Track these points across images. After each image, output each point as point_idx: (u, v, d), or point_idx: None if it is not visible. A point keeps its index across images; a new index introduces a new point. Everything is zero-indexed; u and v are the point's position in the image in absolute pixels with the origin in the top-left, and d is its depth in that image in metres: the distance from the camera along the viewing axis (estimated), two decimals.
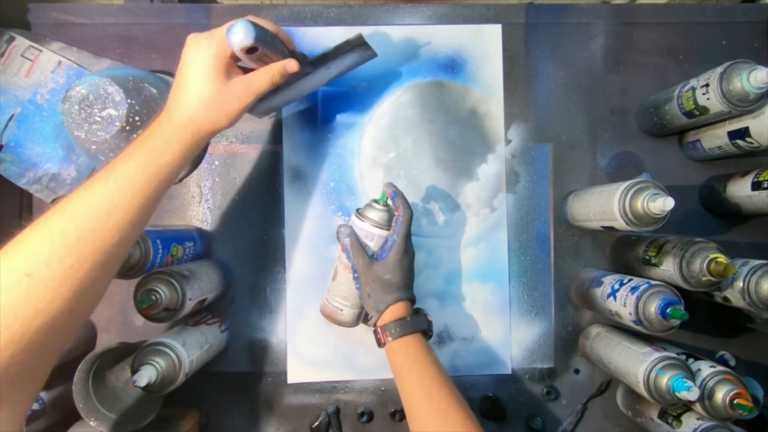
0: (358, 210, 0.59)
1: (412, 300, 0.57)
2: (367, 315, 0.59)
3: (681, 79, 0.64)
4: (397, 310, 0.55)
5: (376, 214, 0.57)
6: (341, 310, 0.59)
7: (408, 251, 0.57)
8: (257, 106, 0.59)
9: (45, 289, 0.36)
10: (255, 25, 0.46)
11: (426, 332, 0.56)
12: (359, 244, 0.56)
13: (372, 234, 0.57)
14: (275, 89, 0.53)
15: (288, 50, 0.54)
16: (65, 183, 0.67)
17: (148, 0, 0.70)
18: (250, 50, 0.46)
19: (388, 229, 0.57)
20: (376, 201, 0.58)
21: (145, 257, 0.54)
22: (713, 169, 0.71)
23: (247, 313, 0.69)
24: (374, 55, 0.63)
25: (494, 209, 0.71)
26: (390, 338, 0.53)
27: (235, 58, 0.49)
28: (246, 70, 0.51)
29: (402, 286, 0.55)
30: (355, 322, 0.61)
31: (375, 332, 0.55)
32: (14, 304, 0.34)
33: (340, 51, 0.58)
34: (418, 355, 0.52)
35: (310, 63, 0.58)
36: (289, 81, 0.55)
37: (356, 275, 0.56)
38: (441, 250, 0.70)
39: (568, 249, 0.71)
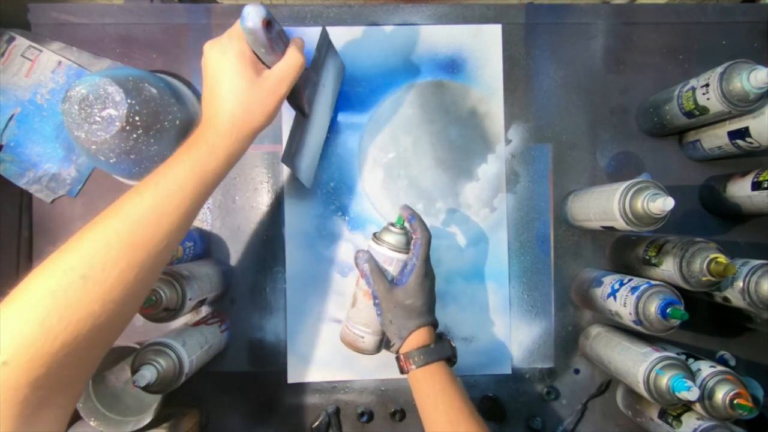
0: (375, 234, 0.58)
1: (434, 324, 0.56)
2: (388, 341, 0.58)
3: (681, 79, 0.64)
4: (420, 337, 0.54)
5: (394, 238, 0.56)
6: (362, 337, 0.58)
7: (428, 275, 0.56)
8: (299, 165, 0.61)
9: (98, 292, 0.36)
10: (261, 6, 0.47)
11: (450, 359, 0.55)
12: (379, 270, 0.55)
13: (390, 258, 0.56)
14: (302, 128, 0.57)
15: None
16: (65, 183, 0.67)
17: (148, 0, 0.70)
18: (268, 26, 0.46)
19: (407, 253, 0.56)
20: (392, 224, 0.57)
21: None
22: (713, 169, 0.71)
23: (247, 313, 0.69)
24: (342, 65, 0.67)
25: (494, 209, 0.71)
26: (413, 366, 0.52)
27: (260, 60, 0.49)
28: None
29: (424, 311, 0.55)
30: (376, 350, 0.60)
31: (398, 359, 0.54)
32: (70, 307, 0.35)
33: (321, 48, 0.60)
34: (442, 384, 0.51)
35: (311, 70, 0.59)
36: (309, 97, 0.58)
37: (377, 302, 0.55)
38: (441, 250, 0.70)
39: (568, 249, 0.71)
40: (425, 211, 0.70)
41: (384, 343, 0.60)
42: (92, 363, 0.40)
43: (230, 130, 0.46)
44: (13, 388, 0.32)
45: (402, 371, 0.54)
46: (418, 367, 0.52)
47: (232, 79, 0.46)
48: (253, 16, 0.45)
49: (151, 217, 0.40)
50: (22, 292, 0.35)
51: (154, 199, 0.41)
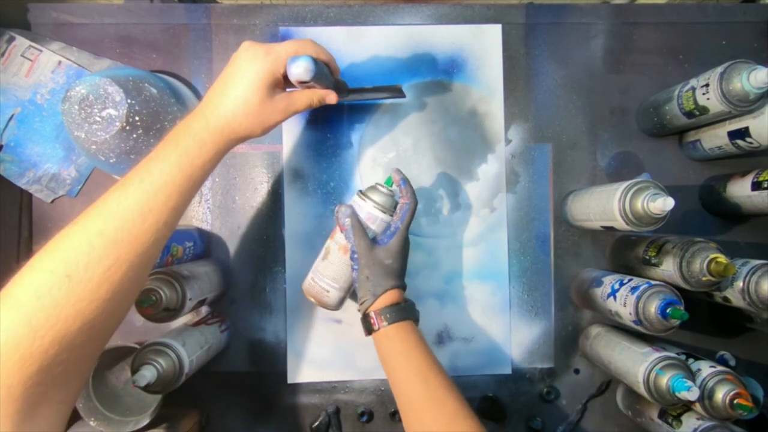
0: (361, 191, 0.58)
1: (404, 288, 0.57)
2: (355, 297, 0.57)
3: (681, 79, 0.64)
4: (392, 296, 0.54)
5: (381, 198, 0.57)
6: (328, 291, 0.58)
7: (407, 241, 0.57)
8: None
9: (84, 291, 0.36)
10: (315, 63, 0.48)
11: (416, 322, 0.55)
12: (360, 226, 0.55)
13: (375, 217, 0.56)
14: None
15: (333, 77, 0.56)
16: (65, 183, 0.67)
17: (148, 0, 0.70)
18: (303, 82, 0.48)
19: (391, 215, 0.57)
20: (381, 185, 0.58)
21: None
22: (713, 169, 0.71)
23: (247, 313, 0.69)
24: (404, 97, 0.68)
25: (494, 209, 0.71)
26: (385, 323, 0.52)
27: (285, 78, 0.50)
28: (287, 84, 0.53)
29: (400, 274, 0.55)
30: (338, 306, 0.59)
31: (366, 318, 0.54)
32: (56, 305, 0.35)
33: (378, 91, 0.61)
34: (416, 341, 0.52)
35: (347, 91, 0.61)
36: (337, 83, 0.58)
37: (355, 256, 0.54)
38: (441, 250, 0.70)
39: (568, 249, 0.71)
40: (425, 211, 0.70)
41: (344, 302, 0.60)
42: (88, 360, 0.40)
43: (223, 129, 0.46)
44: (7, 387, 0.33)
45: (370, 330, 0.53)
46: (390, 323, 0.52)
47: (248, 87, 0.47)
48: (298, 72, 0.47)
49: (137, 213, 0.40)
50: (7, 293, 0.35)
51: (138, 195, 0.40)
